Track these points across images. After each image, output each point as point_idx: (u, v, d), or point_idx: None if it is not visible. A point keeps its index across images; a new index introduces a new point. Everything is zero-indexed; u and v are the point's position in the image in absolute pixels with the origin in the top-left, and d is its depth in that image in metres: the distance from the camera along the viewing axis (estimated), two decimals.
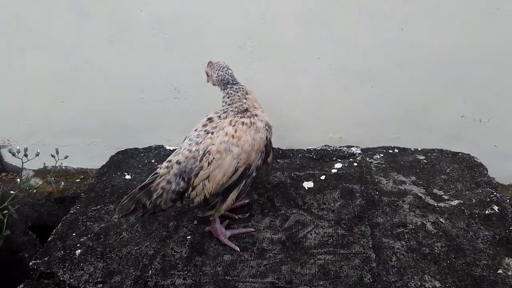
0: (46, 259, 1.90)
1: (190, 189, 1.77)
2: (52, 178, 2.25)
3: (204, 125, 1.86)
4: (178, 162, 1.78)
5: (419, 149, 2.54)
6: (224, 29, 2.47)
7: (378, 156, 2.48)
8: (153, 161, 2.62)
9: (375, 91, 2.51)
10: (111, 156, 2.71)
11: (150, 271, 1.81)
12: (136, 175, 2.49)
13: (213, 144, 1.76)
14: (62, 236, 2.04)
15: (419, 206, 2.09)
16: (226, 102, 1.89)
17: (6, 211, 2.36)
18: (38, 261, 1.90)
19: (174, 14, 2.47)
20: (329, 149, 2.58)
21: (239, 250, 1.90)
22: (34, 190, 2.08)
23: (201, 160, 1.76)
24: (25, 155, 2.05)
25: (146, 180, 1.80)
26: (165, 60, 2.59)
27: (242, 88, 1.90)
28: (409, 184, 2.24)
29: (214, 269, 1.81)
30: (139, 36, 2.54)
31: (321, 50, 2.46)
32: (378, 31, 2.37)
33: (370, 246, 1.88)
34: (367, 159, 2.47)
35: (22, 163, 2.05)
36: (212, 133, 1.80)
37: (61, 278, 1.80)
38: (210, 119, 1.89)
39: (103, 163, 2.71)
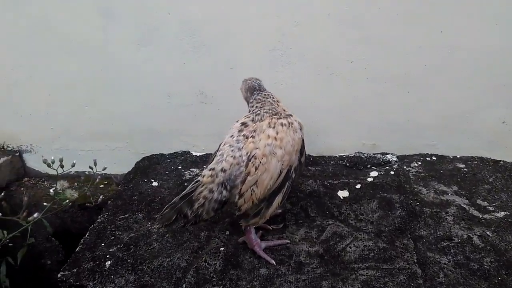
0: (75, 270, 1.83)
1: (237, 196, 1.69)
2: (90, 190, 2.15)
3: (240, 130, 1.80)
4: (223, 170, 1.70)
5: (458, 156, 2.44)
6: (254, 32, 2.39)
7: (416, 164, 2.38)
8: (179, 167, 2.55)
9: (411, 96, 2.40)
10: (137, 162, 2.64)
11: (184, 285, 1.73)
12: (163, 182, 2.41)
13: (257, 148, 1.70)
14: (91, 246, 1.96)
15: (464, 218, 1.98)
16: (256, 107, 1.88)
17: (30, 217, 2.30)
18: (67, 272, 1.83)
19: (202, 17, 2.39)
20: (363, 156, 2.48)
21: (275, 264, 1.81)
22: (70, 203, 2.00)
23: (246, 165, 1.69)
24: (61, 166, 1.98)
25: (187, 189, 1.72)
26: (193, 64, 2.51)
27: (272, 95, 1.93)
28: (451, 194, 2.13)
29: (251, 283, 1.72)
30: (166, 40, 2.47)
31: (355, 53, 2.36)
32: (416, 34, 2.27)
33: (415, 261, 1.77)
34: (404, 167, 2.36)
35: (57, 174, 1.98)
36: (253, 137, 1.74)
37: None
38: (244, 124, 1.83)
39: (127, 169, 2.66)
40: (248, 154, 1.70)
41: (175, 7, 2.39)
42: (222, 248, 1.91)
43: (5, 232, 2.00)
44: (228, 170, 1.70)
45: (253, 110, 1.88)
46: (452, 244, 1.85)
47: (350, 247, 1.88)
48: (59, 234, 2.83)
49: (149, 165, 2.59)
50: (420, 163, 2.39)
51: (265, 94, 1.92)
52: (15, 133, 2.91)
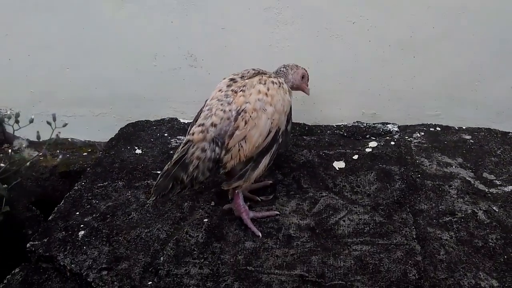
0: (45, 240, 1.70)
1: (224, 152, 1.57)
2: (48, 150, 1.95)
3: (229, 85, 1.71)
4: (213, 124, 1.59)
5: (464, 127, 2.27)
6: None
7: (418, 135, 2.22)
8: (166, 134, 2.39)
9: (416, 61, 2.22)
10: (121, 129, 2.48)
11: (162, 258, 1.59)
12: (147, 150, 2.26)
13: (248, 103, 1.61)
14: (65, 215, 1.82)
15: (468, 191, 1.84)
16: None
17: (6, 185, 2.15)
18: (37, 242, 1.69)
19: None
20: (362, 126, 2.32)
21: (261, 236, 1.68)
22: (28, 163, 1.83)
23: (236, 119, 1.59)
24: (17, 122, 1.80)
25: (178, 153, 1.58)
26: (181, 23, 2.32)
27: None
28: (455, 167, 1.98)
29: (234, 257, 1.59)
30: None
31: (358, 14, 2.17)
32: None
33: (414, 236, 1.63)
34: (406, 137, 2.20)
35: (13, 131, 1.80)
36: (243, 91, 1.64)
37: (62, 263, 1.59)
38: (233, 80, 1.74)
39: (112, 136, 2.49)
40: (238, 108, 1.60)
41: None
42: (206, 220, 1.77)
43: None
44: (218, 124, 1.59)
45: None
46: (455, 219, 1.71)
47: (344, 221, 1.73)
48: (40, 203, 2.69)
49: (133, 132, 2.43)
50: (423, 133, 2.23)
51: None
52: None
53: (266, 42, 2.29)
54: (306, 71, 1.98)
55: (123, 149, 2.27)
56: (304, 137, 2.28)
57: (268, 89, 1.64)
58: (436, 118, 2.33)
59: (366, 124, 2.33)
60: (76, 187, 2.00)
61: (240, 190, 1.70)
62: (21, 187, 2.60)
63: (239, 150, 1.58)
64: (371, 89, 2.33)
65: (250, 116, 1.58)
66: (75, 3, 2.35)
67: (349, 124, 2.36)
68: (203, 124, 1.60)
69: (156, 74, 2.49)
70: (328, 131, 2.32)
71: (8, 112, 2.75)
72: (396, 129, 2.27)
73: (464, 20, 2.10)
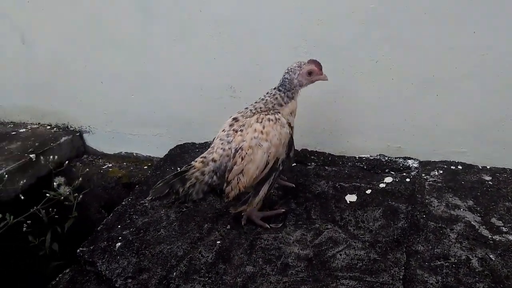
0: (91, 247, 2.09)
1: (225, 184, 1.88)
2: (71, 188, 2.36)
3: (231, 125, 1.98)
4: (213, 160, 1.90)
5: (488, 167, 2.25)
6: (279, 30, 2.41)
7: (436, 173, 2.25)
8: None
9: (440, 99, 2.25)
10: (170, 150, 2.85)
11: (175, 273, 1.89)
12: None
13: (244, 141, 1.87)
14: (109, 227, 2.21)
15: (469, 237, 1.86)
16: (263, 101, 2.02)
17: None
18: (85, 248, 2.09)
19: (230, 14, 2.47)
20: (383, 160, 2.41)
21: (269, 227, 2.03)
22: (62, 198, 2.26)
23: (234, 156, 1.86)
24: None
25: (182, 169, 1.92)
26: (222, 59, 2.62)
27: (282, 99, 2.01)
28: (463, 210, 2.00)
29: (234, 279, 1.83)
30: (198, 36, 2.60)
31: (380, 53, 2.27)
32: (445, 34, 2.12)
33: (401, 277, 1.73)
34: (423, 175, 2.25)
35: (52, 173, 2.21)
36: (241, 130, 1.90)
37: (99, 268, 1.97)
38: (235, 119, 2.00)
39: (166, 153, 2.87)
40: (236, 146, 1.87)
41: (206, 4, 2.50)
42: (219, 242, 2.03)
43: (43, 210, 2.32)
44: (218, 160, 1.90)
45: (253, 104, 2.04)
46: (446, 264, 1.77)
47: (341, 254, 1.88)
48: (107, 207, 3.18)
49: (179, 154, 2.78)
50: (441, 171, 2.25)
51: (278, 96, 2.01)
52: (76, 115, 3.29)
53: None
54: (312, 64, 1.99)
55: (167, 170, 2.62)
56: (326, 167, 2.43)
57: (263, 127, 1.87)
58: (462, 156, 2.33)
59: (388, 158, 2.41)
60: (123, 202, 2.39)
61: (245, 213, 2.01)
62: (93, 193, 3.13)
63: (238, 182, 1.87)
64: (395, 124, 2.40)
65: (246, 153, 1.85)
66: (136, 42, 2.76)
67: (371, 156, 2.45)
68: (205, 157, 1.93)
69: (203, 102, 2.82)
70: (349, 163, 2.44)
71: (87, 129, 3.30)
72: (416, 165, 2.32)
73: (489, 61, 2.08)
